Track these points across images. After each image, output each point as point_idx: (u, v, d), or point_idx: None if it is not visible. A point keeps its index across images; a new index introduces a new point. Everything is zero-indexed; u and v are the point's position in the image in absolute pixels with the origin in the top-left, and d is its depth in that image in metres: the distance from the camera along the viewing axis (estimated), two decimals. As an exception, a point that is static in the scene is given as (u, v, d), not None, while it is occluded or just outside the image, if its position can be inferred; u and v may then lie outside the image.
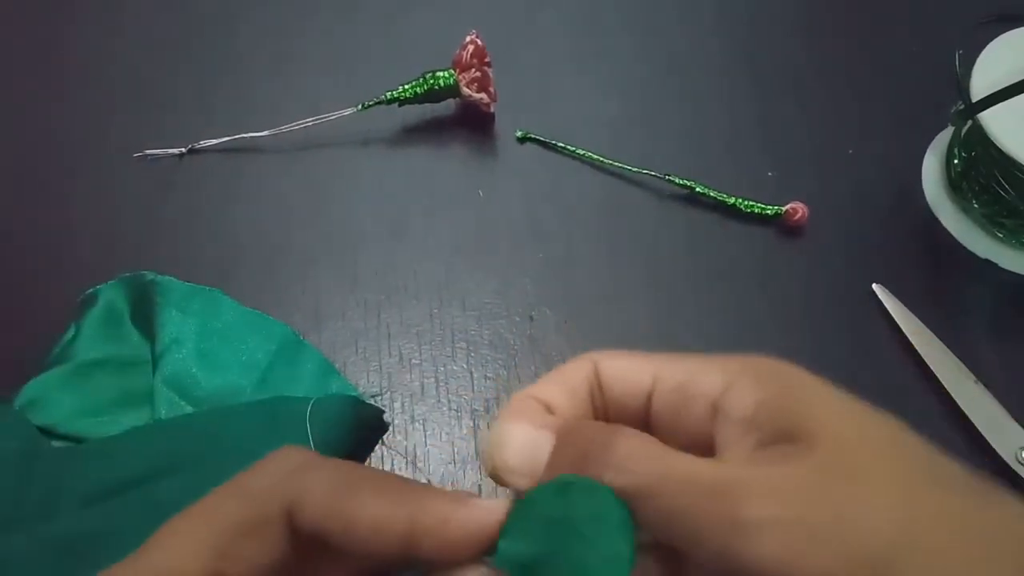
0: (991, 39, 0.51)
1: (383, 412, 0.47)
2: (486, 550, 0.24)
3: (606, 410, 0.27)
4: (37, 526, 0.40)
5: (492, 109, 0.56)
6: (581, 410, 0.27)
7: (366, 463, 0.46)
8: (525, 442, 0.25)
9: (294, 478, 0.24)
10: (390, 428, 0.47)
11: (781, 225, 0.54)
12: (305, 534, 0.23)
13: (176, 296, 0.47)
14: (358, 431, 0.45)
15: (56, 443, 0.44)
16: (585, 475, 0.23)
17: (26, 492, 0.41)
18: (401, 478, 0.25)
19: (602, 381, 0.27)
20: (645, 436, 0.24)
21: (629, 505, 0.23)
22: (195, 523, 0.23)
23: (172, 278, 0.48)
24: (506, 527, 0.24)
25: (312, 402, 0.43)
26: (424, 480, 0.46)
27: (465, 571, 0.24)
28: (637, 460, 0.23)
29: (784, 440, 0.23)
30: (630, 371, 0.27)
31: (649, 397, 0.26)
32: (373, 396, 0.48)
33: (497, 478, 0.25)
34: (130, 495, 0.40)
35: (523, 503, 0.25)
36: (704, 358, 0.26)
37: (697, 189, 0.54)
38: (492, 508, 0.24)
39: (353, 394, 0.46)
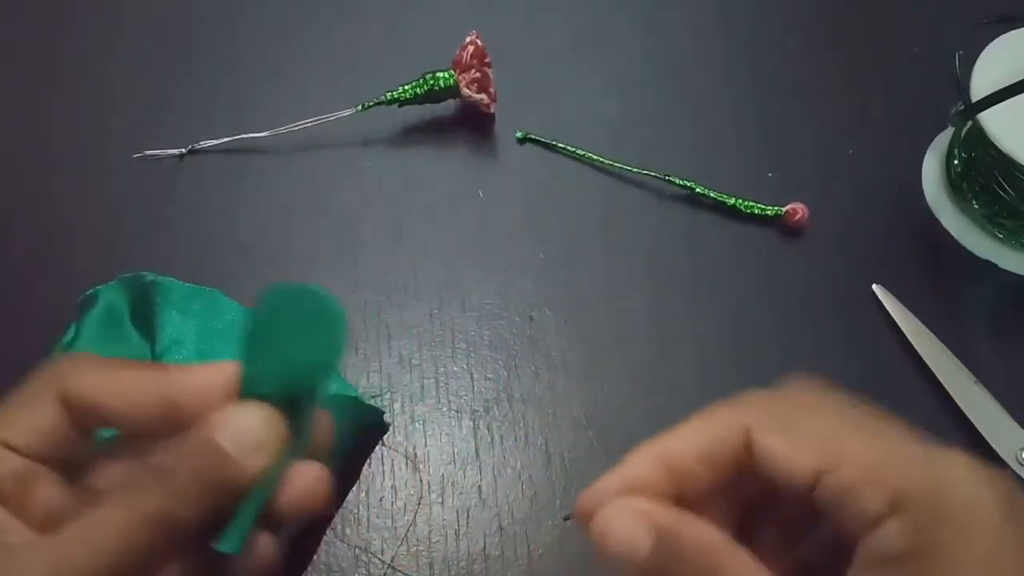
0: (991, 40, 0.51)
1: (384, 412, 0.47)
2: (236, 394, 0.28)
3: (756, 485, 0.26)
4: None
5: (492, 110, 0.56)
6: (721, 485, 0.26)
7: (366, 464, 0.46)
8: (625, 533, 0.25)
9: (59, 365, 0.29)
10: (390, 428, 0.47)
11: (781, 225, 0.54)
12: (76, 403, 0.28)
13: (176, 297, 0.47)
14: (358, 431, 0.45)
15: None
16: None
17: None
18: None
19: (757, 458, 0.26)
20: (761, 571, 0.24)
21: None
22: None
23: (172, 279, 0.48)
24: (243, 361, 0.28)
25: (312, 402, 0.43)
26: (424, 481, 0.46)
27: (224, 408, 0.27)
28: None
29: None
30: (794, 457, 0.25)
31: (812, 488, 0.25)
32: (373, 396, 0.48)
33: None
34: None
35: (248, 334, 0.28)
36: (875, 456, 0.24)
37: (697, 190, 0.54)
38: (231, 361, 0.28)
39: (353, 394, 0.46)
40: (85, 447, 0.29)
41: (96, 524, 0.25)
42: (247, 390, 0.28)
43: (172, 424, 0.27)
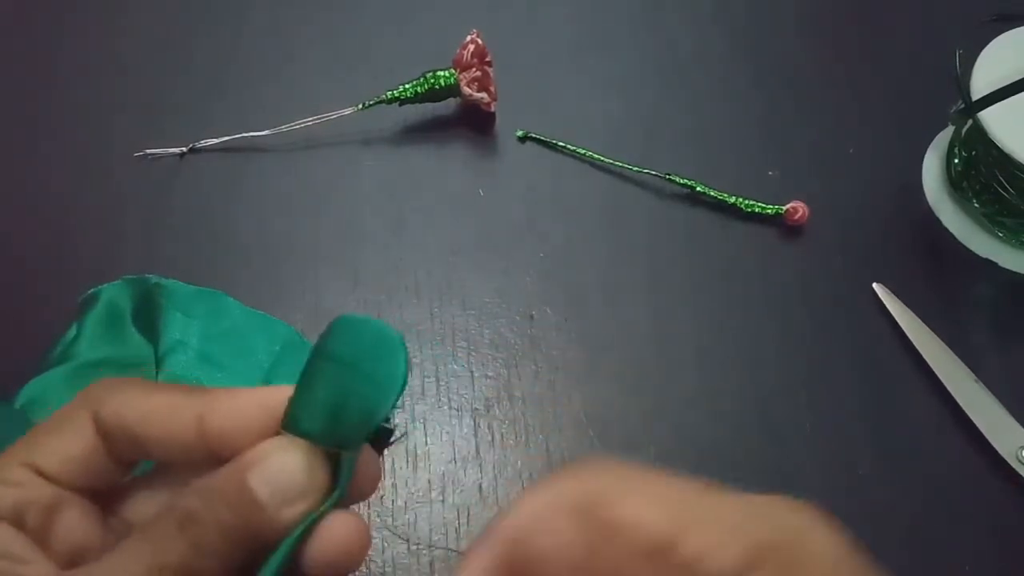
0: (992, 38, 0.51)
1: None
2: (278, 426, 0.25)
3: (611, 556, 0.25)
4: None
5: (493, 108, 0.56)
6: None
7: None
8: None
9: (97, 389, 0.27)
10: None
11: (782, 224, 0.54)
12: (111, 430, 0.26)
13: (180, 298, 0.47)
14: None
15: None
16: None
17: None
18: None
19: (609, 532, 0.24)
20: None
21: None
22: (18, 442, 0.26)
23: (176, 281, 0.48)
24: (296, 391, 0.25)
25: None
26: (425, 479, 0.46)
27: (262, 444, 0.25)
28: None
29: None
30: (651, 520, 0.24)
31: (666, 552, 0.23)
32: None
33: None
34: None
35: (306, 363, 0.25)
36: (727, 516, 0.24)
37: (698, 188, 0.54)
38: (281, 387, 0.25)
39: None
40: (120, 476, 0.27)
41: (110, 572, 0.23)
42: (292, 424, 0.25)
43: (211, 454, 0.25)
